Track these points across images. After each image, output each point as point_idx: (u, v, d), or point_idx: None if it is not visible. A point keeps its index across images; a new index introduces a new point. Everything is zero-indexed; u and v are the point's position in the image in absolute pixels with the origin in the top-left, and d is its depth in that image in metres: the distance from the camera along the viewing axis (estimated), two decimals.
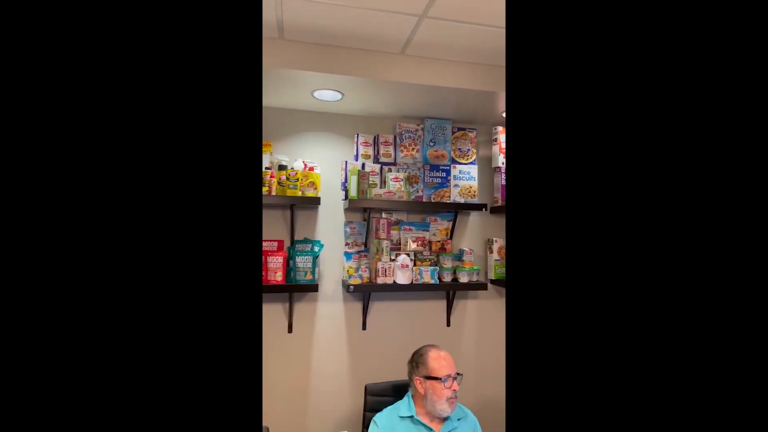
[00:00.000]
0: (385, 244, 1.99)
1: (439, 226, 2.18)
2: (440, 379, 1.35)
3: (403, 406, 1.41)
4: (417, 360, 1.41)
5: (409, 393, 1.44)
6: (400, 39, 1.57)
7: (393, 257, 2.00)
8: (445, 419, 1.37)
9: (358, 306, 2.10)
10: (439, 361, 1.38)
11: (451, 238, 2.19)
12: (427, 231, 2.15)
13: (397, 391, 1.53)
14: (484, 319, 2.26)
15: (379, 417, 1.39)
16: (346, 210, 2.09)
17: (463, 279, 2.05)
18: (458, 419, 1.40)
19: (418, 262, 2.05)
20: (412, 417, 1.37)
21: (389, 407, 1.42)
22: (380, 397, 1.51)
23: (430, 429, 1.36)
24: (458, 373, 1.40)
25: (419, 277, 1.97)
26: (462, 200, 2.16)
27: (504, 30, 1.50)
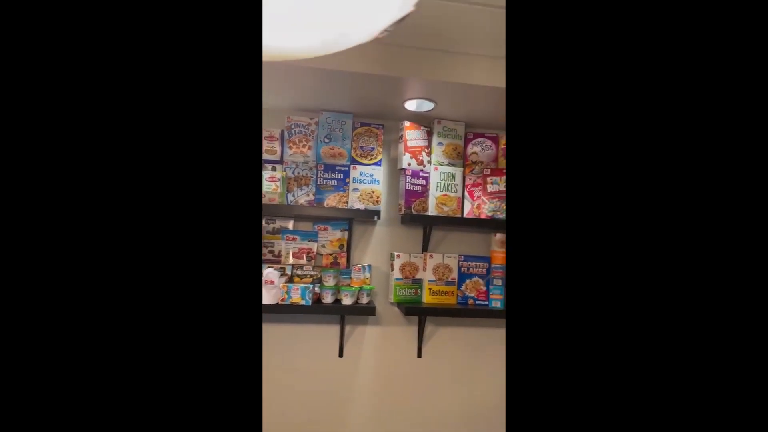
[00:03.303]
0: None
1: (330, 237, 1.85)
2: None
3: None
4: None
5: None
6: None
7: None
8: None
9: None
10: None
11: (347, 251, 1.85)
12: (315, 242, 1.81)
13: None
14: (388, 350, 1.88)
15: None
16: None
17: (347, 300, 1.69)
18: None
19: (296, 279, 1.72)
20: None
21: None
22: None
23: None
24: None
25: (287, 296, 1.63)
26: (361, 206, 1.82)
27: None
